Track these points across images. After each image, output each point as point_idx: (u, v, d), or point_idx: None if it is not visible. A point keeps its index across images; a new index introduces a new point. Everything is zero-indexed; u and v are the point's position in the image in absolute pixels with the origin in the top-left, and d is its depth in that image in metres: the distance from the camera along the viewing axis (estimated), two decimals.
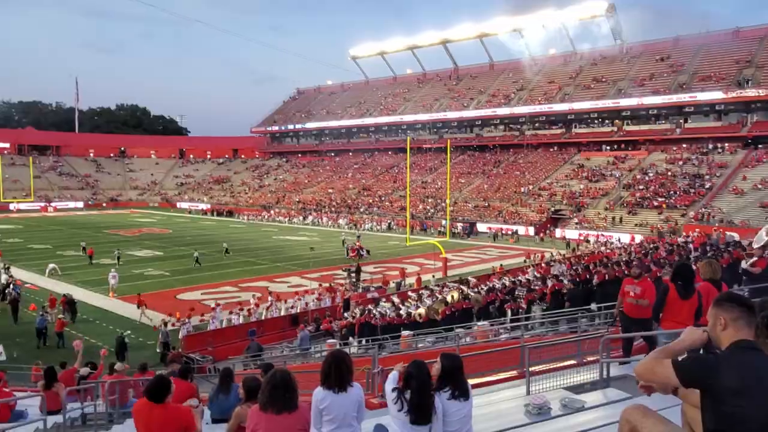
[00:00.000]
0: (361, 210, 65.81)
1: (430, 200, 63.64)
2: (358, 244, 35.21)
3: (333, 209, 67.93)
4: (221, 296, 26.29)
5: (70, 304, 24.24)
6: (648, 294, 7.10)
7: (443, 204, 58.68)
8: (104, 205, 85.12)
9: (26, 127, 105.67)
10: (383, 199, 68.23)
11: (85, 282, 30.23)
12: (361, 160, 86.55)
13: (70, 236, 50.24)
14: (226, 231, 55.49)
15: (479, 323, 15.24)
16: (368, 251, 34.00)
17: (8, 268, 29.84)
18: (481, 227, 53.60)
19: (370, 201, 68.26)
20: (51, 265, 32.11)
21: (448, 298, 19.20)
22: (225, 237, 50.18)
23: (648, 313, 6.98)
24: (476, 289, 20.04)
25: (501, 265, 31.69)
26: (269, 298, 24.12)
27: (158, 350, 19.01)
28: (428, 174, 72.84)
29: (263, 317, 22.45)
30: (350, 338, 18.41)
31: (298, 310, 23.02)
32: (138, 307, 23.48)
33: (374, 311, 20.04)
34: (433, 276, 29.56)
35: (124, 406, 9.31)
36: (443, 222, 50.85)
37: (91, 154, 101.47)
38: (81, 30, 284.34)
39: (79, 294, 26.48)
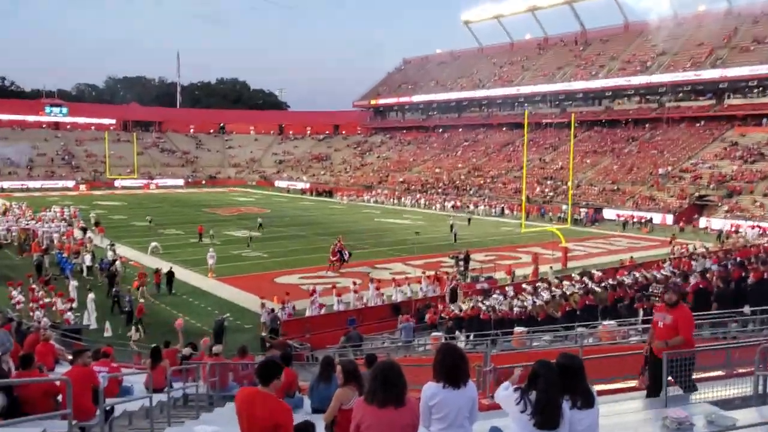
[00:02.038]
0: (471, 192, 65.36)
1: (549, 182, 61.92)
2: (339, 244, 31.18)
3: (440, 191, 68.13)
4: (319, 281, 27.15)
5: (168, 276, 26.24)
6: (683, 326, 6.28)
7: (564, 187, 56.83)
8: (203, 182, 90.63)
9: (130, 102, 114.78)
10: (496, 180, 67.25)
11: (185, 261, 32.46)
12: (472, 136, 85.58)
13: (172, 214, 54.22)
14: (325, 212, 57.31)
15: (605, 323, 14.74)
16: (350, 253, 31.20)
17: (113, 244, 32.75)
18: (609, 214, 51.53)
19: (481, 182, 67.58)
20: (153, 243, 34.77)
21: (569, 293, 18.69)
22: (324, 219, 51.92)
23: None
24: (601, 284, 19.35)
25: (631, 257, 30.29)
26: (370, 286, 24.57)
27: (263, 334, 19.88)
28: (548, 153, 70.75)
29: (365, 302, 23.02)
30: (457, 332, 18.42)
31: (400, 299, 23.33)
32: (138, 288, 24.63)
33: (483, 304, 19.91)
34: (551, 267, 28.84)
35: (224, 390, 10.01)
36: (564, 207, 49.37)
37: (191, 130, 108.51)
38: (185, 2, 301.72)
39: (179, 273, 28.47)
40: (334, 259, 30.42)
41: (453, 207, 58.63)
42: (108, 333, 20.56)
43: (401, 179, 76.12)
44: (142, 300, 23.16)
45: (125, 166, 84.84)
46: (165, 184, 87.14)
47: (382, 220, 51.72)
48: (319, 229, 44.44)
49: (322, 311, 22.01)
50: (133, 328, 20.23)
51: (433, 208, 60.91)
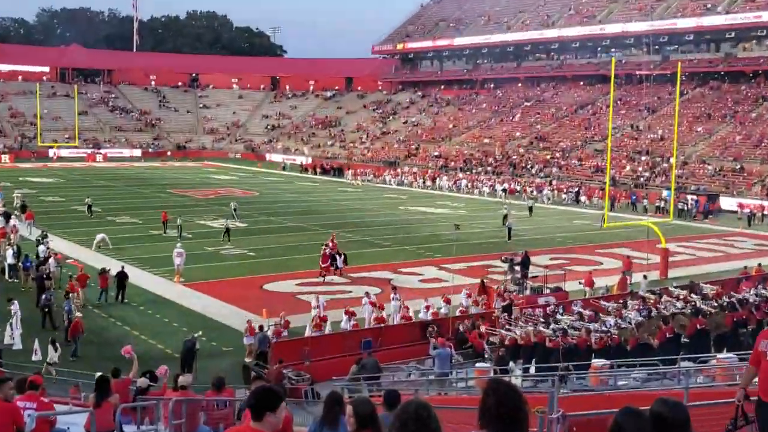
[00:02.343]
0: (533, 171, 65.08)
1: (644, 158, 61.35)
2: (332, 245, 30.82)
3: (490, 169, 67.90)
4: (322, 289, 27.19)
5: (119, 279, 26.19)
6: None
7: (666, 165, 56.26)
8: (169, 153, 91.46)
9: (71, 44, 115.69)
10: (568, 154, 66.92)
11: (143, 259, 32.51)
12: (536, 94, 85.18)
13: (126, 196, 54.59)
14: (333, 197, 57.49)
15: (720, 355, 14.65)
16: (345, 256, 30.75)
17: (45, 236, 32.74)
18: (728, 203, 50.90)
19: (548, 157, 67.28)
20: (100, 235, 34.90)
21: (669, 313, 18.52)
22: (332, 205, 52.08)
23: None
24: (716, 302, 19.14)
25: (759, 264, 29.83)
26: (392, 298, 24.56)
27: (248, 360, 19.98)
28: (643, 117, 70.09)
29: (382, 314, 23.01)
30: (511, 363, 18.40)
31: (429, 315, 23.27)
32: (66, 295, 23.98)
33: (545, 326, 19.82)
34: (645, 276, 28.60)
35: None
36: (665, 193, 48.87)
37: (153, 83, 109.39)
38: None
39: (134, 275, 28.46)
40: (325, 266, 29.93)
41: (506, 192, 58.37)
42: (37, 356, 20.48)
43: (436, 153, 75.92)
44: (79, 314, 22.93)
45: (63, 129, 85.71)
46: (117, 155, 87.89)
47: (410, 208, 51.69)
48: (325, 219, 44.60)
49: (327, 327, 22.08)
50: (50, 346, 19.96)
51: (480, 192, 60.80)
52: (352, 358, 19.10)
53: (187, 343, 19.75)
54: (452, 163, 71.67)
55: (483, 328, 21.34)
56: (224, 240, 36.77)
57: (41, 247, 30.32)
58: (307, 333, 21.89)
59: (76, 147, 79.98)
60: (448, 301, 24.40)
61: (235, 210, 43.36)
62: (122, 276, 26.62)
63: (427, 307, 24.03)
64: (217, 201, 52.33)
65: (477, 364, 18.54)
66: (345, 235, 39.21)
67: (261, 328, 21.07)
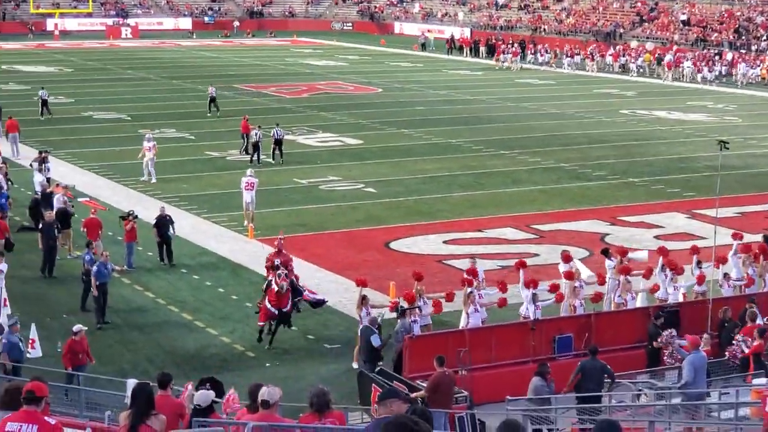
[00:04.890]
0: None
1: None
2: (280, 255, 23.78)
3: None
4: (487, 250, 27.14)
5: (160, 229, 25.97)
6: None
7: None
8: (235, 25, 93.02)
9: None
10: None
11: (193, 198, 32.89)
12: None
13: (169, 95, 55.83)
14: (505, 93, 57.56)
15: None
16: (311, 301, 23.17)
17: (45, 158, 32.09)
18: None
19: None
20: (149, 154, 34.57)
21: None
22: (504, 109, 52.08)
23: None
24: None
25: None
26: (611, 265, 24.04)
27: (355, 365, 19.69)
28: None
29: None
30: None
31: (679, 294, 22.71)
32: (88, 245, 23.56)
33: None
34: None
35: None
36: None
37: None
38: None
39: (182, 224, 28.49)
40: (275, 308, 21.79)
41: None
42: (36, 353, 19.92)
43: (684, 16, 74.62)
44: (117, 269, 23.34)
45: None
46: (155, 27, 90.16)
47: (639, 112, 51.30)
48: (493, 132, 45.00)
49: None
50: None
51: (762, 83, 59.99)
52: (533, 365, 18.59)
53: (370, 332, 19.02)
54: (714, 35, 69.97)
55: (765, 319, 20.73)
56: (275, 158, 37.52)
57: (38, 177, 30.22)
58: (463, 323, 21.59)
59: (89, 15, 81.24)
60: (700, 280, 23.55)
61: (212, 99, 44.65)
62: (165, 223, 26.19)
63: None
64: (313, 103, 53.02)
65: (755, 380, 18.08)
66: (527, 159, 39.15)
67: (402, 309, 20.38)
